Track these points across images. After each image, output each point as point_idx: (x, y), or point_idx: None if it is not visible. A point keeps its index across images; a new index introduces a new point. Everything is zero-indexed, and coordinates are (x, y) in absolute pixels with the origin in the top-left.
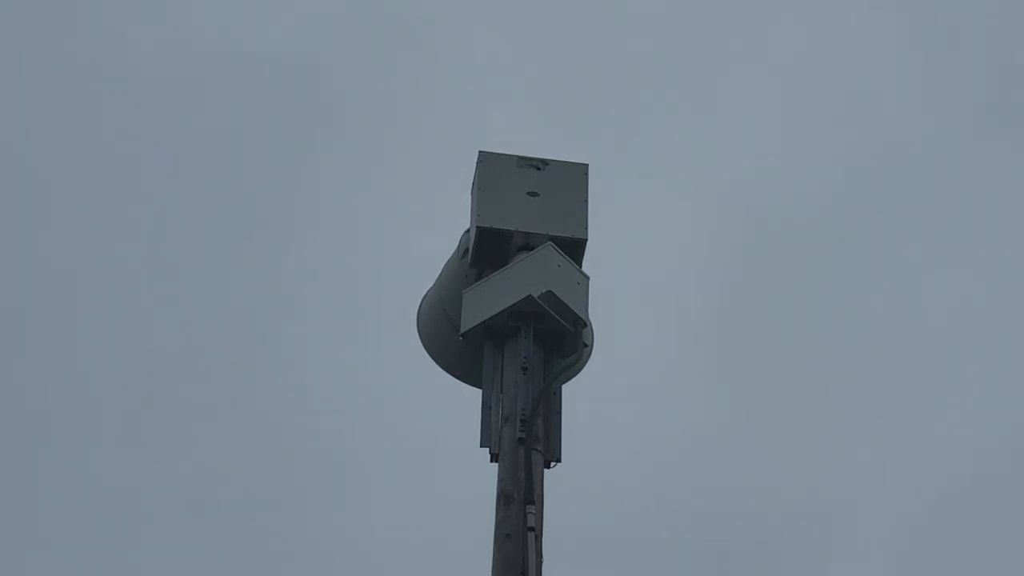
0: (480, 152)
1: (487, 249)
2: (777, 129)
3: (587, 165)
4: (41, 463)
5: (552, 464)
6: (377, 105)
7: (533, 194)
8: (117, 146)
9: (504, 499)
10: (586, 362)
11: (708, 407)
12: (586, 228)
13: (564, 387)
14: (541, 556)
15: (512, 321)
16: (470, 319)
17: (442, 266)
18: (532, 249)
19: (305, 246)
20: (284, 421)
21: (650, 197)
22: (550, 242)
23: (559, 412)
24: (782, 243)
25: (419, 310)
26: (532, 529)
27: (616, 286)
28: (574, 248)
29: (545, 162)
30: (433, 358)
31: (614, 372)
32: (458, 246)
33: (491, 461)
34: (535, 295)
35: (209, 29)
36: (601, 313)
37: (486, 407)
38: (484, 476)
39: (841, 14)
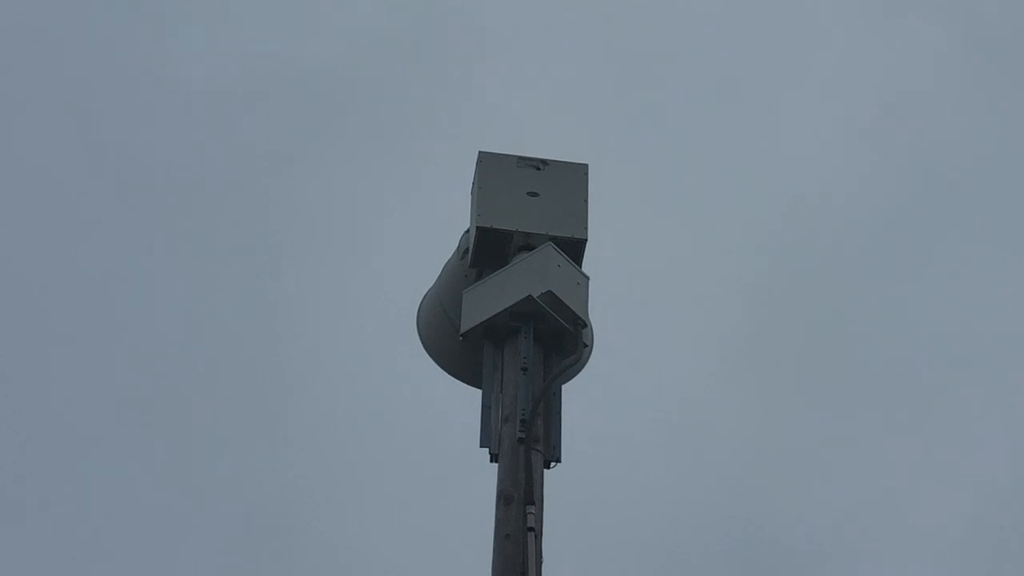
0: (480, 152)
1: (487, 249)
2: (816, 133)
3: (587, 165)
4: (40, 467)
5: (552, 464)
6: (414, 114)
7: (533, 194)
8: (157, 152)
9: (504, 499)
10: (586, 362)
11: (708, 406)
12: (586, 228)
13: (564, 387)
14: (541, 556)
15: (512, 321)
16: (470, 319)
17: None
18: (532, 249)
19: (326, 253)
20: (285, 421)
21: (686, 199)
22: (550, 242)
23: (559, 412)
24: (815, 248)
25: (419, 310)
26: (532, 529)
27: (621, 286)
28: (574, 248)
29: (545, 162)
30: (433, 358)
31: (614, 372)
32: (458, 246)
33: (491, 461)
34: (535, 295)
35: (257, 42)
36: (610, 312)
37: (486, 407)
38: (484, 476)
39: (882, 21)
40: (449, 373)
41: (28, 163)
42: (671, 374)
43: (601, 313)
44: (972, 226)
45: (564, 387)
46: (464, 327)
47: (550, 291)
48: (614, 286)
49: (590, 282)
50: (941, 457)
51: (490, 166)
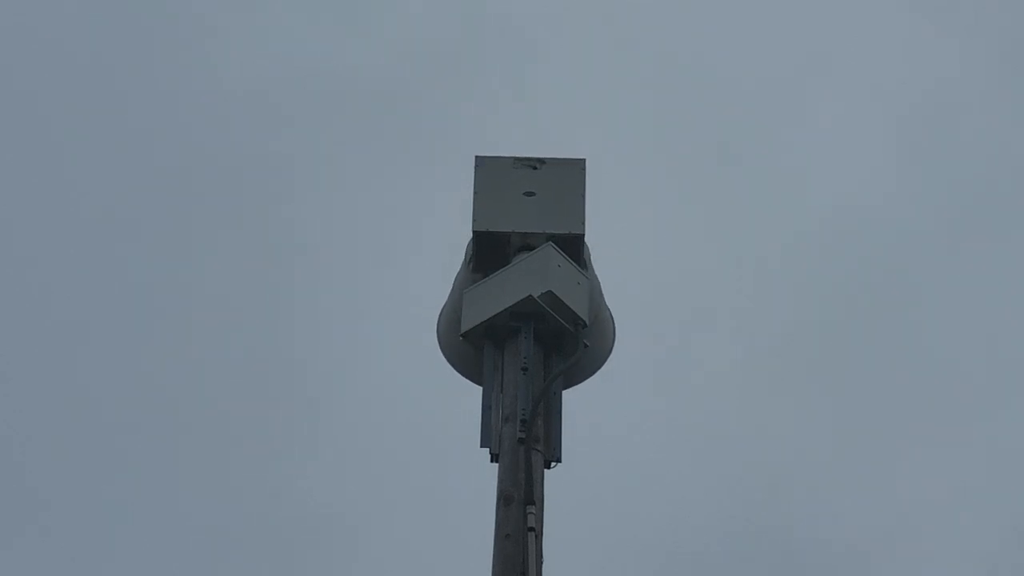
0: (476, 157)
1: (488, 253)
2: (850, 138)
3: (584, 160)
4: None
5: (552, 464)
6: (451, 123)
7: (530, 194)
8: (192, 153)
9: (504, 499)
10: (603, 362)
11: (709, 406)
12: (582, 223)
13: (566, 387)
14: (541, 556)
15: (512, 321)
16: (470, 319)
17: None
18: (532, 249)
19: (358, 258)
20: (285, 420)
21: (717, 202)
22: (551, 242)
23: (559, 412)
24: (851, 253)
25: (438, 325)
26: (532, 529)
27: (643, 287)
28: (572, 244)
29: (542, 160)
30: (458, 371)
31: (614, 372)
32: (464, 255)
33: (491, 461)
34: (535, 295)
35: (298, 47)
36: (629, 314)
37: (486, 407)
38: (484, 476)
39: (927, 26)
40: (477, 384)
41: (63, 161)
42: (676, 374)
43: (623, 314)
44: (1015, 233)
45: (566, 386)
46: (464, 327)
47: (550, 291)
48: (638, 286)
49: (603, 283)
50: (981, 468)
51: (487, 169)
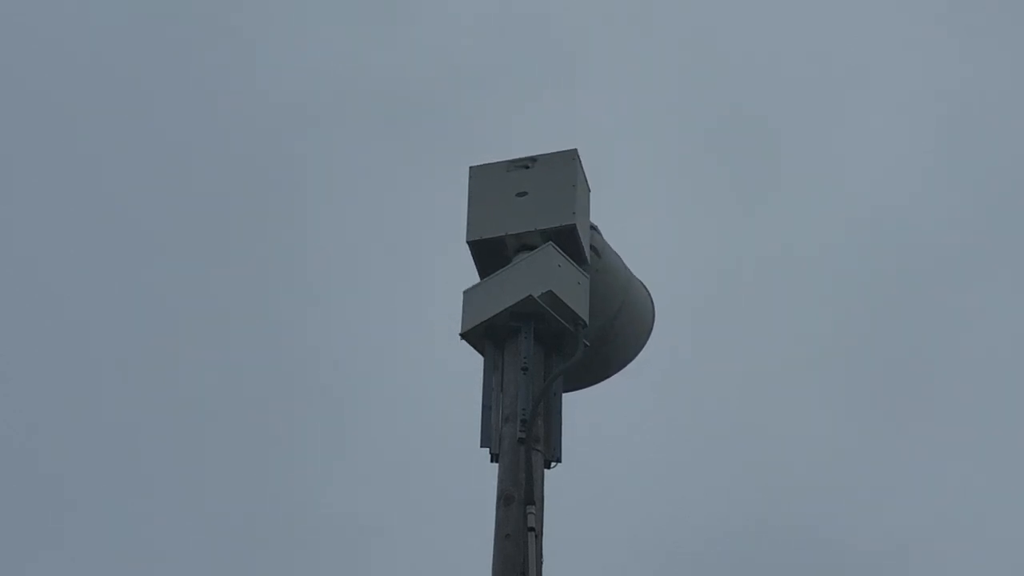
0: (470, 168)
1: (488, 260)
2: (901, 142)
3: (575, 150)
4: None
5: (552, 464)
6: (487, 133)
7: (522, 194)
8: (228, 162)
9: (504, 499)
10: (646, 338)
11: (710, 405)
12: (573, 213)
13: (566, 387)
14: (541, 556)
15: (512, 321)
16: (470, 319)
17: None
18: (532, 249)
19: (390, 268)
20: (285, 421)
21: (756, 207)
22: (551, 242)
23: (559, 412)
24: (886, 258)
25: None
26: (532, 529)
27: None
28: (568, 236)
29: (534, 159)
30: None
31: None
32: None
33: (491, 461)
34: (535, 295)
35: (339, 57)
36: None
37: (486, 407)
38: (484, 476)
39: (961, 31)
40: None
41: (101, 169)
42: (674, 372)
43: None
44: None
45: (566, 387)
46: (464, 327)
47: (551, 291)
48: (661, 283)
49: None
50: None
51: (481, 178)
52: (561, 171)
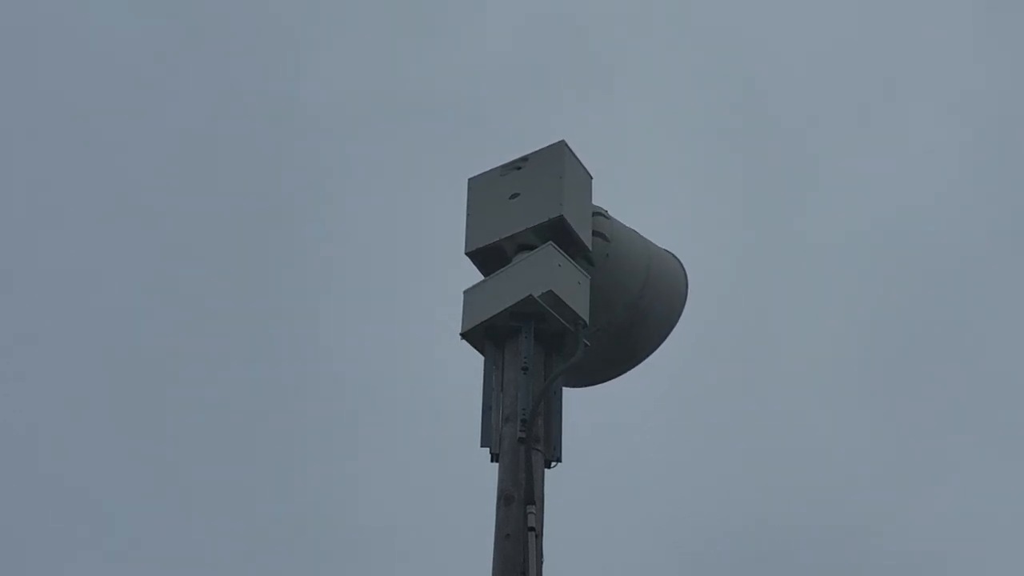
0: (469, 180)
1: (491, 267)
2: (935, 148)
3: (563, 142)
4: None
5: (552, 464)
6: (526, 143)
7: (515, 196)
8: (270, 164)
9: (504, 499)
10: (680, 309)
11: (709, 405)
12: (560, 204)
13: (566, 387)
14: (541, 556)
15: (513, 321)
16: (470, 319)
17: None
18: (532, 248)
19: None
20: (286, 420)
21: (792, 209)
22: (551, 242)
23: (560, 412)
24: (927, 264)
25: None
26: (532, 529)
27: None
28: (560, 229)
29: (525, 159)
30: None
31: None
32: None
33: (491, 461)
34: (536, 295)
35: (382, 63)
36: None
37: (486, 407)
38: (484, 476)
39: (999, 38)
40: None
41: (124, 165)
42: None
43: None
44: None
45: (566, 386)
46: (464, 327)
47: (551, 290)
48: (699, 287)
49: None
50: None
51: (477, 188)
52: (549, 165)
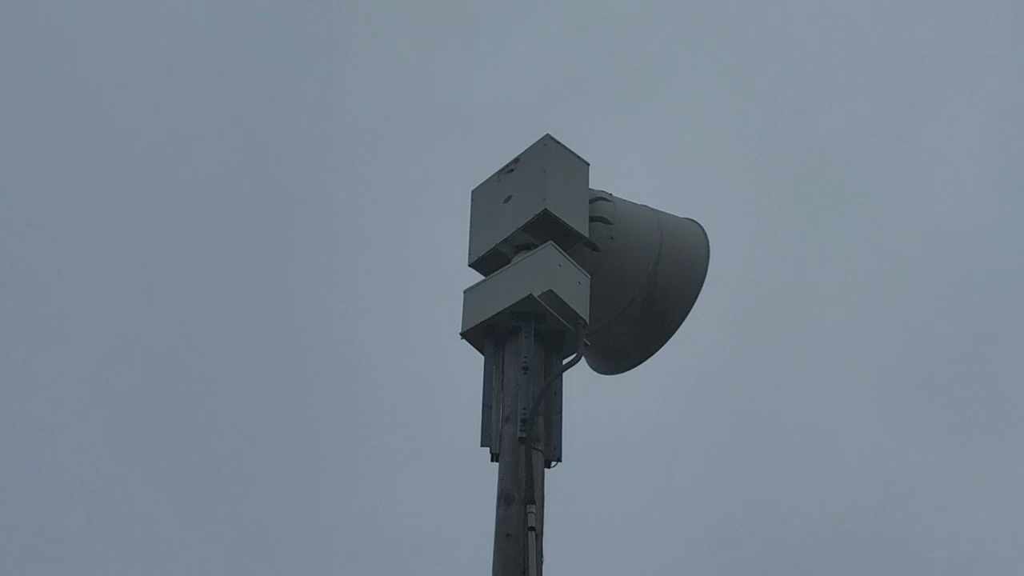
0: (471, 192)
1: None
2: (974, 160)
3: (547, 135)
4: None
5: (552, 464)
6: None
7: (508, 199)
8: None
9: (504, 499)
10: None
11: (710, 403)
12: (543, 199)
13: (566, 386)
14: (541, 556)
15: (513, 320)
16: (471, 319)
17: None
18: (528, 248)
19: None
20: (286, 421)
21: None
22: (551, 241)
23: (560, 411)
24: (971, 274)
25: None
26: (532, 529)
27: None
28: (550, 222)
29: (517, 160)
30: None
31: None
32: None
33: (492, 461)
34: (536, 295)
35: (425, 75)
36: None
37: (487, 407)
38: (484, 476)
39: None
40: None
41: (184, 175)
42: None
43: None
44: None
45: (566, 386)
46: (465, 326)
47: (551, 290)
48: (742, 298)
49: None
50: None
51: (478, 198)
52: (535, 162)
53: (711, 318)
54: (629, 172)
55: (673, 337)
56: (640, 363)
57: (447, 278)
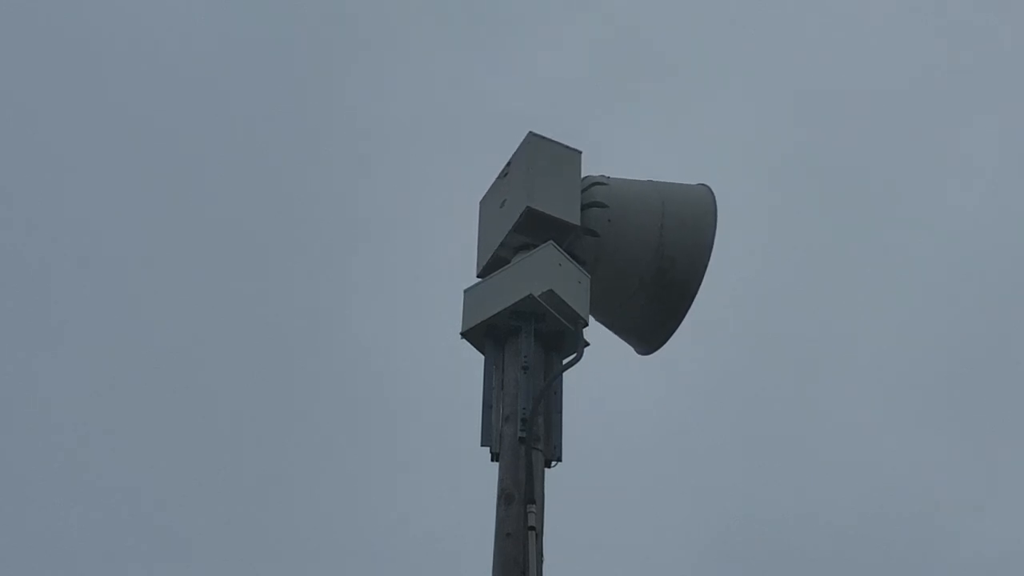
0: (479, 203)
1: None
2: (993, 172)
3: (530, 132)
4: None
5: (552, 463)
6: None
7: (503, 203)
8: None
9: (505, 498)
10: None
11: (712, 403)
12: (527, 196)
13: (566, 386)
14: (541, 555)
15: (513, 320)
16: (471, 318)
17: None
18: (526, 248)
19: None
20: (287, 420)
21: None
22: (551, 241)
23: (560, 411)
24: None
25: None
26: (532, 528)
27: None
28: (539, 219)
29: (509, 163)
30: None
31: (615, 371)
32: None
33: (492, 460)
34: (536, 294)
35: (447, 80)
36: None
37: (487, 406)
38: (484, 476)
39: None
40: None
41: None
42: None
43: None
44: None
45: (566, 386)
46: (465, 326)
47: (551, 290)
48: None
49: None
50: None
51: (484, 207)
52: (520, 162)
53: (726, 316)
54: (656, 177)
55: (687, 330)
56: (670, 335)
57: (456, 281)
